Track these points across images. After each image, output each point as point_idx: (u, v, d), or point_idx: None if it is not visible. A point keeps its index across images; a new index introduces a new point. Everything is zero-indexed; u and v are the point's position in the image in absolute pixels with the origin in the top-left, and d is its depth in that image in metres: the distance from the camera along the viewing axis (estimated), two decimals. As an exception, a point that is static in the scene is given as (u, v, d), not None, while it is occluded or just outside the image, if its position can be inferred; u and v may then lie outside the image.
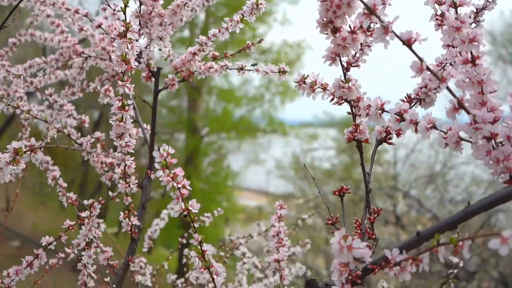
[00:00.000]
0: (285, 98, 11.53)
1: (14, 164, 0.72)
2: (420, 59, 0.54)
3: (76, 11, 1.14)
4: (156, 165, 0.66)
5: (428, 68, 0.54)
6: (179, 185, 0.66)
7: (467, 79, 0.59)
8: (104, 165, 1.06)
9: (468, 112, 0.55)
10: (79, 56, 1.26)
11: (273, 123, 11.41)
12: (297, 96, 10.87)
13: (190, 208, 0.68)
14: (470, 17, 0.78)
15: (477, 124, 0.54)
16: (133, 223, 1.03)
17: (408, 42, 0.55)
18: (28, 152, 0.72)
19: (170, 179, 0.66)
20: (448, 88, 0.55)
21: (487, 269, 5.83)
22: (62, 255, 1.17)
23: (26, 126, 1.37)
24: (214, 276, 0.69)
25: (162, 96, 11.51)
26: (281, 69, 0.89)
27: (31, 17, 1.40)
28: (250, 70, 0.99)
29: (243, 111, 11.77)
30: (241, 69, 0.99)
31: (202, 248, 0.70)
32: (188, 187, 0.67)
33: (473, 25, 0.77)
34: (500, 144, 0.56)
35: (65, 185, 1.16)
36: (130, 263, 1.05)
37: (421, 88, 0.74)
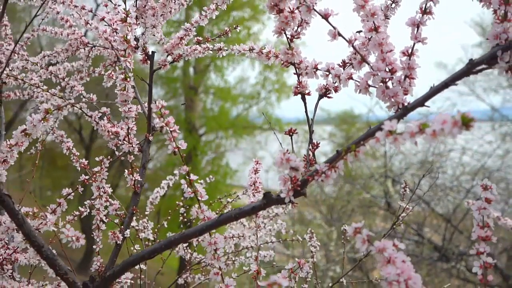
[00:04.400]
0: (281, 95, 11.78)
1: (45, 121, 0.96)
2: (334, 28, 0.78)
3: (83, 8, 1.37)
4: (153, 114, 0.89)
5: (339, 34, 0.78)
6: (171, 129, 0.90)
7: (372, 42, 0.82)
8: (110, 134, 1.29)
9: (368, 64, 0.78)
10: (86, 46, 1.49)
11: (270, 120, 11.64)
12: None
13: (179, 146, 0.91)
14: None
15: (374, 72, 0.77)
16: (136, 179, 1.26)
17: (325, 16, 0.78)
18: (56, 110, 0.95)
19: (165, 125, 0.89)
20: (353, 47, 0.79)
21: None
22: (82, 209, 1.39)
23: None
24: (199, 198, 0.93)
25: (159, 97, 11.75)
26: (251, 48, 1.12)
27: (42, 15, 1.62)
28: (226, 50, 1.23)
29: (240, 109, 12.01)
30: (219, 49, 1.23)
31: (190, 177, 0.93)
32: (178, 131, 0.90)
33: (393, 4, 1.00)
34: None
35: (77, 153, 1.39)
36: (134, 212, 1.28)
37: (352, 54, 0.97)
